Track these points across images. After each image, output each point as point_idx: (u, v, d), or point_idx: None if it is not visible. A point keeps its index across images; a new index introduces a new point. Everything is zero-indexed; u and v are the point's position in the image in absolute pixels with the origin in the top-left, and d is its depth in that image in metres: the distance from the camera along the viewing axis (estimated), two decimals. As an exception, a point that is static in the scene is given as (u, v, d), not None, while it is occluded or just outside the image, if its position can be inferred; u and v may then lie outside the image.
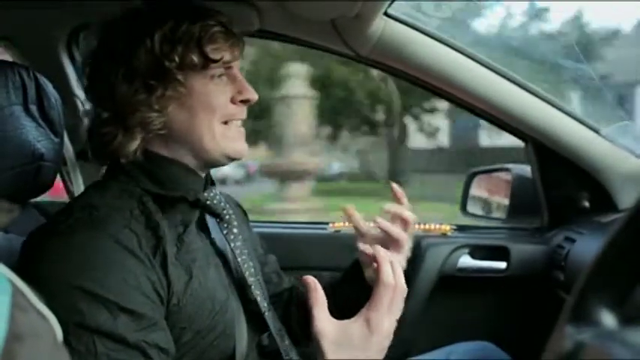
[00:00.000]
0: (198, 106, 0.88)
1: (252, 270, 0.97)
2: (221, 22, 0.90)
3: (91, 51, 0.90)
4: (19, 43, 1.26)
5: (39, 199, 1.05)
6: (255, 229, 1.18)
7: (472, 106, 1.45)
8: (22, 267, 0.78)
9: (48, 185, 1.01)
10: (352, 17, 1.19)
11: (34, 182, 0.99)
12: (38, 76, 0.96)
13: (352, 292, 1.02)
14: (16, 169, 0.94)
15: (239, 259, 0.95)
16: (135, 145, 0.87)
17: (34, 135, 0.96)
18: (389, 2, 1.18)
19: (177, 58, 0.85)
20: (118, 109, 0.86)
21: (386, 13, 1.25)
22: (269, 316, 0.98)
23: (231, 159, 0.93)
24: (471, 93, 1.40)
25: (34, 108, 0.98)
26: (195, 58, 0.86)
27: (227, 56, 0.90)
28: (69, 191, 1.37)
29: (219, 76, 0.91)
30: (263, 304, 0.97)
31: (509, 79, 1.39)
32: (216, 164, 0.94)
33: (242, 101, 0.93)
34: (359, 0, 1.10)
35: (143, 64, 0.85)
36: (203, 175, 0.95)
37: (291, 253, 1.52)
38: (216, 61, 0.88)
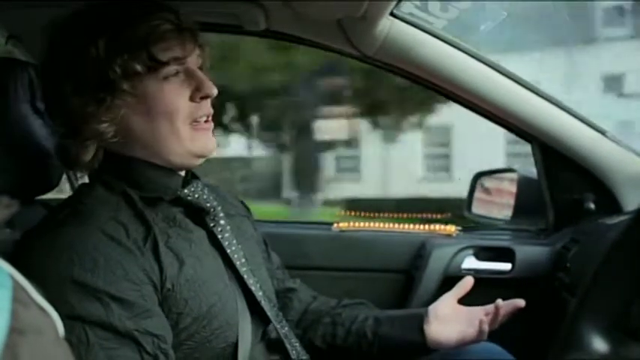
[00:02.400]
0: (155, 111, 0.86)
1: (244, 260, 0.96)
2: (168, 18, 0.85)
3: (41, 63, 0.89)
4: (27, 42, 1.27)
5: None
6: (259, 229, 1.18)
7: (478, 107, 1.44)
8: (16, 263, 0.80)
9: (54, 183, 1.01)
10: (358, 17, 1.19)
11: (40, 180, 0.99)
12: None
13: (397, 335, 1.07)
14: (22, 165, 0.95)
15: (228, 251, 0.94)
16: (89, 156, 0.86)
17: (41, 133, 0.97)
18: (395, 2, 1.17)
19: (119, 69, 0.82)
20: (70, 122, 0.85)
21: (392, 14, 1.25)
22: (266, 304, 0.97)
23: (200, 157, 0.91)
24: (476, 94, 1.39)
25: (41, 106, 0.98)
26: (138, 67, 0.83)
27: (178, 52, 0.86)
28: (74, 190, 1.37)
29: (175, 74, 0.87)
30: (258, 293, 0.96)
31: (515, 81, 1.39)
32: (185, 165, 0.92)
33: (202, 97, 0.89)
34: (365, 0, 1.10)
35: (90, 76, 0.83)
36: (182, 172, 0.93)
37: (295, 252, 1.52)
38: (165, 63, 0.85)
